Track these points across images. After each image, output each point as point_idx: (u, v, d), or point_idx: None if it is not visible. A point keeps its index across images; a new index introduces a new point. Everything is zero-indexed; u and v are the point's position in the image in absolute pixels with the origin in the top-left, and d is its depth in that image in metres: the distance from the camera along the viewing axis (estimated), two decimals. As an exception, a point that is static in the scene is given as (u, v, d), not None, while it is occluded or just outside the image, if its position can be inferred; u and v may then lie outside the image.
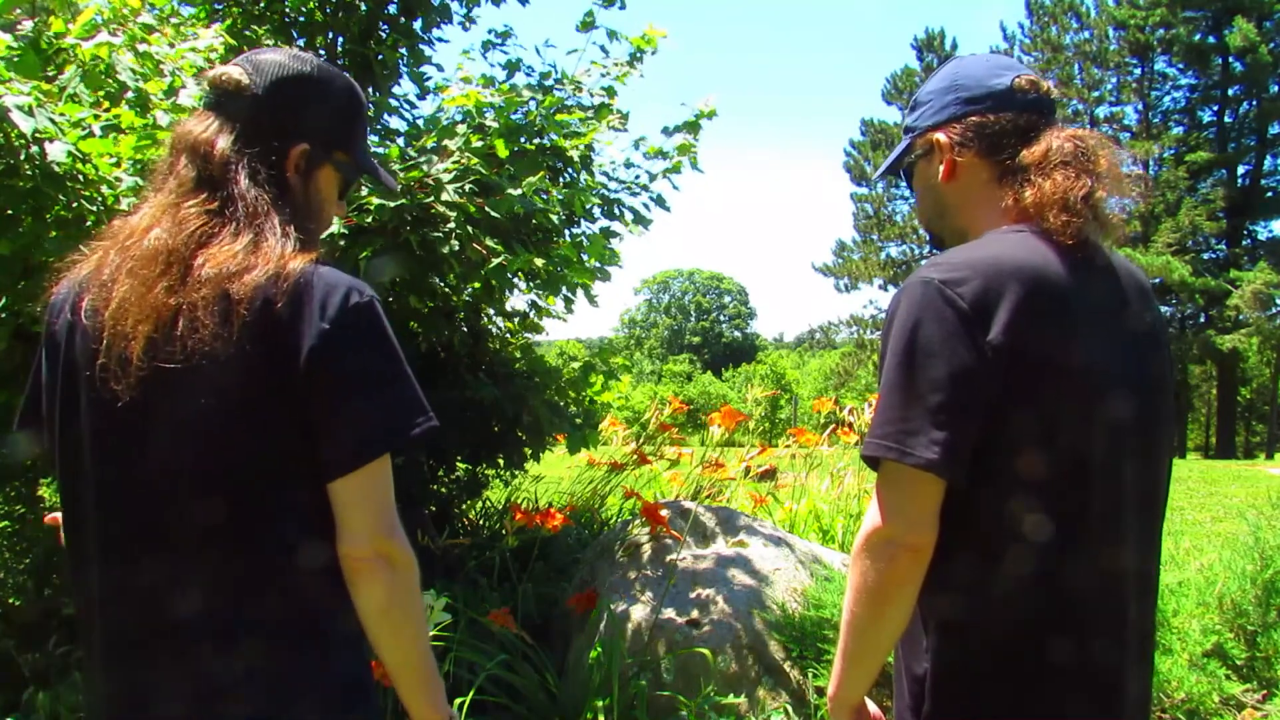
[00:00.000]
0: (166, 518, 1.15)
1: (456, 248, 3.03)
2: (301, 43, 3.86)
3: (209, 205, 1.18)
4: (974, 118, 1.29)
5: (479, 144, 3.18)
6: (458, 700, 2.69)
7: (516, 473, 4.28)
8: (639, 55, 3.73)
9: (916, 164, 1.38)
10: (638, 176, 3.80)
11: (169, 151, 1.26)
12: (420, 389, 1.19)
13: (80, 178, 2.63)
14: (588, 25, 3.72)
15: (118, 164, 2.70)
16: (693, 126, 3.77)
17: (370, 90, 3.88)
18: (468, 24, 4.01)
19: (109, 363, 1.13)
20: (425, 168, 3.08)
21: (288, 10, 3.73)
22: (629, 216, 3.75)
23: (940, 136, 1.32)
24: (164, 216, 1.19)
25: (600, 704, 2.77)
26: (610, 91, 3.69)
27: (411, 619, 1.19)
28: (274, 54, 1.29)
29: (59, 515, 1.32)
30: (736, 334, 63.86)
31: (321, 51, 3.83)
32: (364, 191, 3.06)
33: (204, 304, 1.11)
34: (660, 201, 3.80)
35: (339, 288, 1.15)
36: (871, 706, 1.31)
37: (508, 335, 4.34)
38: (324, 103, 1.29)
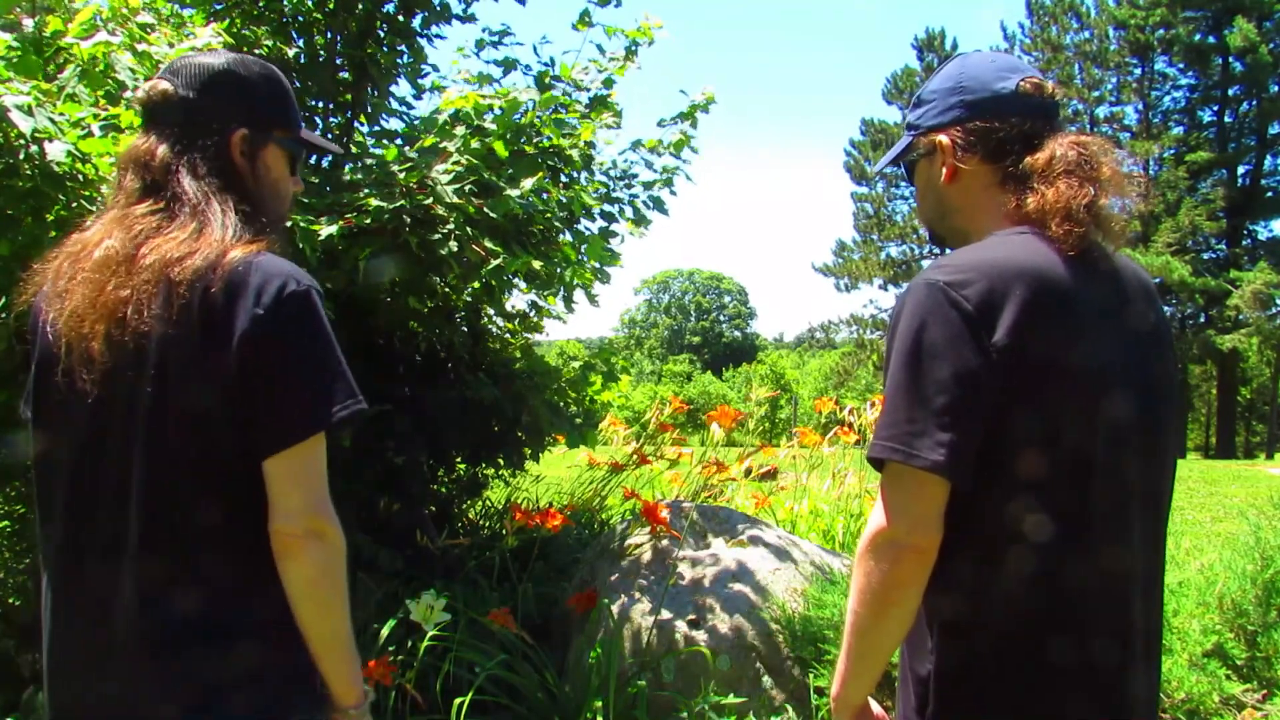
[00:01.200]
0: (122, 514, 1.19)
1: (455, 249, 3.03)
2: (300, 42, 3.85)
3: (155, 207, 1.26)
4: (977, 122, 1.28)
5: (477, 145, 3.18)
6: (457, 700, 2.69)
7: (516, 473, 4.27)
8: (635, 48, 3.73)
9: (918, 162, 1.38)
10: (637, 175, 3.80)
11: (116, 171, 1.35)
12: (350, 376, 1.24)
13: (80, 177, 2.63)
14: (585, 23, 3.71)
15: (118, 164, 2.69)
16: (689, 116, 3.77)
17: (369, 90, 3.87)
18: (466, 20, 4.00)
19: (72, 365, 1.20)
20: (424, 169, 3.08)
21: (286, 10, 3.73)
22: (629, 213, 3.75)
23: (942, 139, 1.31)
24: (114, 227, 1.26)
25: (600, 704, 2.77)
26: (608, 83, 3.69)
27: (339, 595, 1.24)
28: (193, 58, 1.36)
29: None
30: (736, 334, 63.88)
31: (320, 51, 3.83)
32: (362, 193, 3.06)
33: (146, 288, 1.18)
34: (658, 204, 3.80)
35: (275, 276, 1.20)
36: (875, 707, 1.31)
37: (508, 335, 4.34)
38: (250, 88, 1.36)
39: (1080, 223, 1.19)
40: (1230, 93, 29.13)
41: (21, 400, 1.39)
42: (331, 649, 1.26)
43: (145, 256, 1.20)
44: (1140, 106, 30.73)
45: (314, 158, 3.35)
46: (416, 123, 3.65)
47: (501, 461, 4.11)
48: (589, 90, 3.70)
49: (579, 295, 3.81)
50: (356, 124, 3.94)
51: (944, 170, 1.31)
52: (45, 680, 1.26)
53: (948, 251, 1.35)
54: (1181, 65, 29.69)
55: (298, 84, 3.64)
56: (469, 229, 3.06)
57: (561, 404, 4.09)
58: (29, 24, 2.76)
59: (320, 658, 1.25)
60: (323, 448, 1.22)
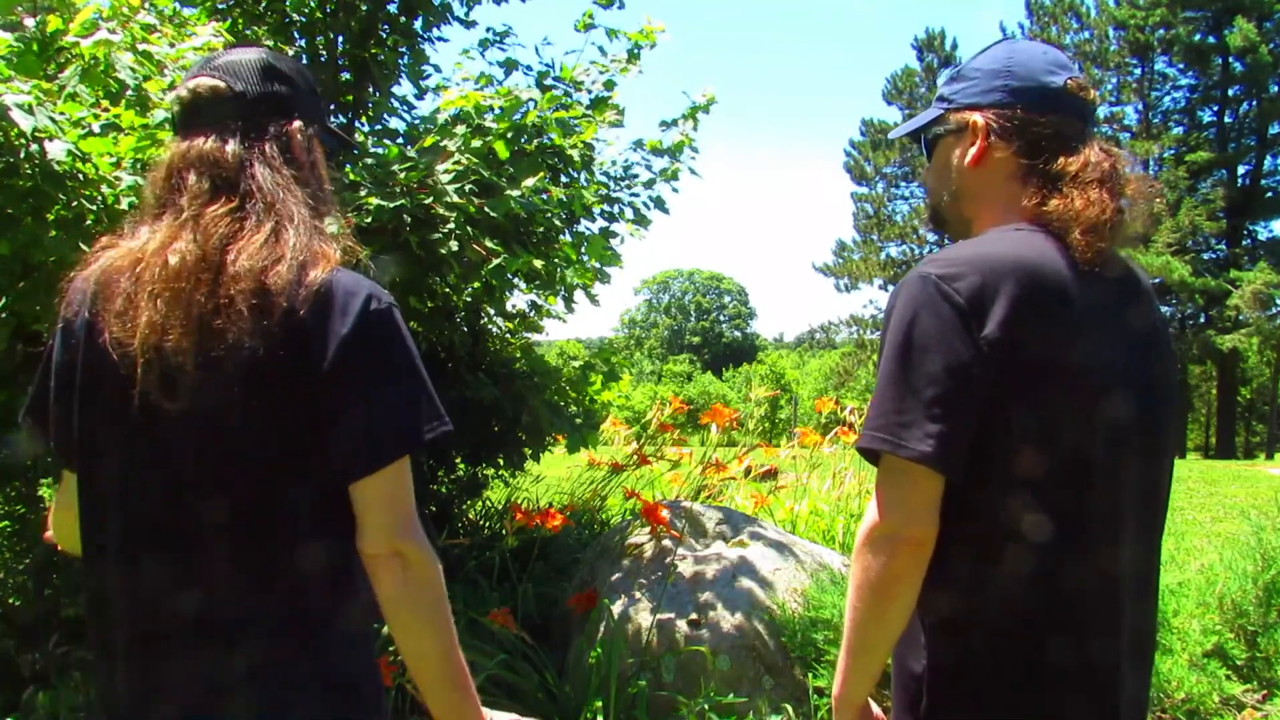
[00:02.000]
0: (188, 513, 1.18)
1: (456, 248, 3.03)
2: (302, 43, 3.86)
3: (229, 206, 1.21)
4: (1020, 110, 1.25)
5: (478, 144, 3.18)
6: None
7: (516, 473, 4.27)
8: (637, 51, 3.73)
9: (943, 138, 1.33)
10: (637, 175, 3.80)
11: (167, 173, 1.27)
12: (435, 395, 1.21)
13: (80, 177, 2.63)
14: (586, 25, 3.71)
15: (118, 163, 2.69)
16: (690, 117, 3.77)
17: (370, 90, 3.87)
18: (468, 23, 4.00)
19: (149, 384, 1.14)
20: (424, 168, 3.08)
21: (288, 10, 3.73)
22: (629, 214, 3.75)
23: (977, 119, 1.28)
24: (182, 231, 1.20)
25: (600, 704, 2.77)
26: (609, 84, 3.69)
27: (430, 619, 1.20)
28: (231, 55, 1.32)
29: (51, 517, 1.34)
30: (736, 334, 63.87)
31: (322, 52, 3.83)
32: (363, 192, 3.06)
33: (242, 297, 1.13)
34: (659, 203, 3.80)
35: (358, 294, 1.18)
36: (876, 709, 1.31)
37: (508, 335, 4.34)
38: (291, 81, 1.33)
39: (1103, 237, 1.18)
40: (1230, 93, 29.12)
41: (23, 410, 1.35)
42: (425, 672, 1.22)
43: (234, 263, 1.15)
44: (1140, 106, 30.74)
45: None
46: (417, 122, 3.65)
47: (501, 461, 4.11)
48: (590, 91, 3.70)
49: (579, 295, 3.82)
50: (358, 124, 3.95)
51: (972, 151, 1.28)
52: (112, 667, 1.23)
53: (946, 242, 1.35)
54: (1181, 65, 29.70)
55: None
56: (469, 228, 3.06)
57: (562, 404, 4.09)
58: (30, 23, 2.76)
59: (427, 697, 1.22)
60: (408, 469, 1.19)
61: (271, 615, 1.18)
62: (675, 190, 3.82)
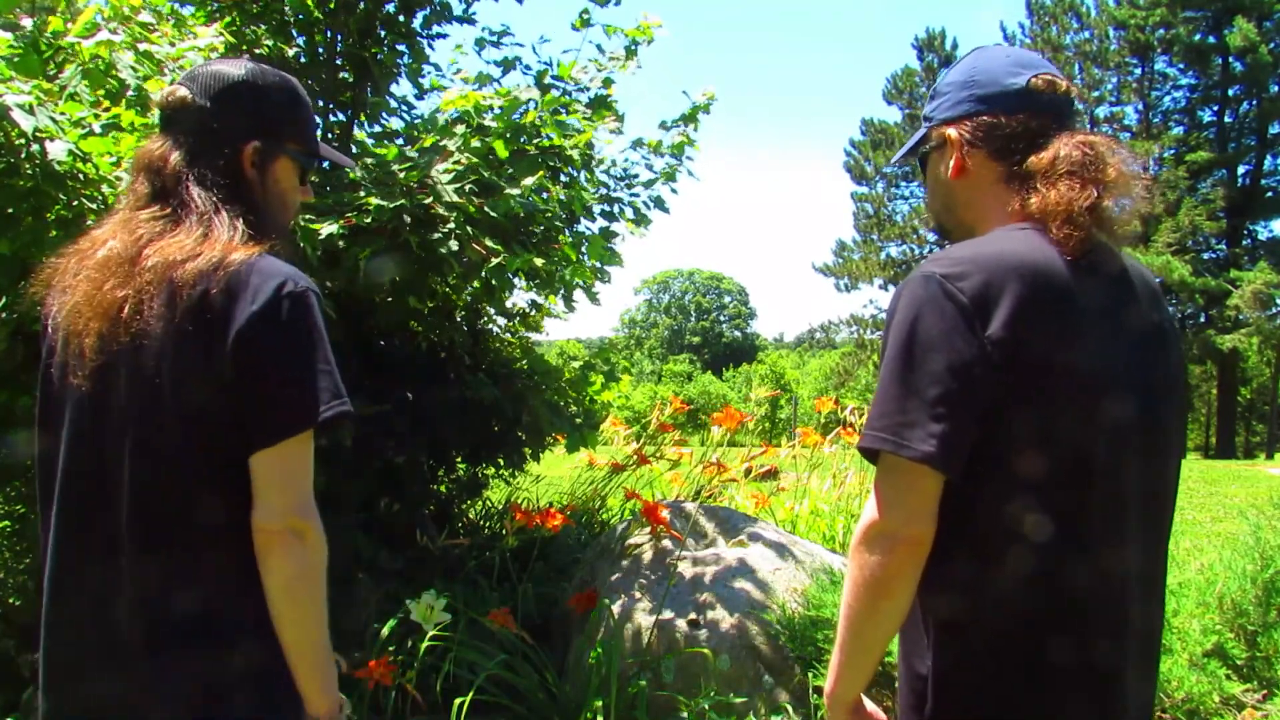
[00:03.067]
0: (114, 513, 1.21)
1: (456, 248, 3.03)
2: (301, 41, 3.85)
3: (162, 212, 1.28)
4: (985, 117, 1.28)
5: (478, 144, 3.17)
6: (458, 700, 2.69)
7: (516, 473, 4.27)
8: (635, 48, 3.72)
9: (930, 155, 1.37)
10: (637, 175, 3.80)
11: (130, 172, 1.37)
12: (339, 378, 1.25)
13: (81, 177, 2.63)
14: (584, 23, 3.71)
15: (118, 163, 2.69)
16: (691, 118, 3.77)
17: (368, 90, 3.87)
18: (466, 20, 4.00)
19: (66, 359, 1.23)
20: (424, 168, 3.08)
21: (286, 10, 3.73)
22: (629, 214, 3.75)
23: (951, 132, 1.31)
24: (119, 229, 1.29)
25: (600, 704, 2.77)
26: (608, 83, 3.69)
27: (315, 599, 1.24)
28: (211, 66, 1.37)
29: None
30: (736, 334, 63.86)
31: (320, 51, 3.83)
32: (362, 193, 3.06)
33: (148, 289, 1.20)
34: (659, 203, 3.80)
35: (274, 276, 1.22)
36: (869, 705, 1.31)
37: (508, 335, 4.34)
38: (265, 100, 1.37)
39: (1081, 226, 1.18)
40: (1230, 93, 29.12)
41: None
42: (304, 653, 1.25)
43: (148, 258, 1.22)
44: (1140, 106, 30.73)
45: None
46: (417, 122, 3.65)
47: (501, 461, 4.10)
48: (589, 90, 3.70)
49: (579, 295, 3.81)
50: (357, 124, 3.94)
51: (951, 165, 1.31)
52: (41, 679, 1.27)
53: (947, 242, 1.35)
54: (1181, 65, 29.69)
55: (298, 84, 3.63)
56: (469, 228, 3.06)
57: (562, 404, 4.09)
58: (28, 23, 2.76)
59: (293, 662, 1.25)
60: (308, 447, 1.23)
61: (198, 610, 1.21)
62: (674, 191, 3.82)
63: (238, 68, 1.37)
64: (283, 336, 1.21)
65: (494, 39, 3.96)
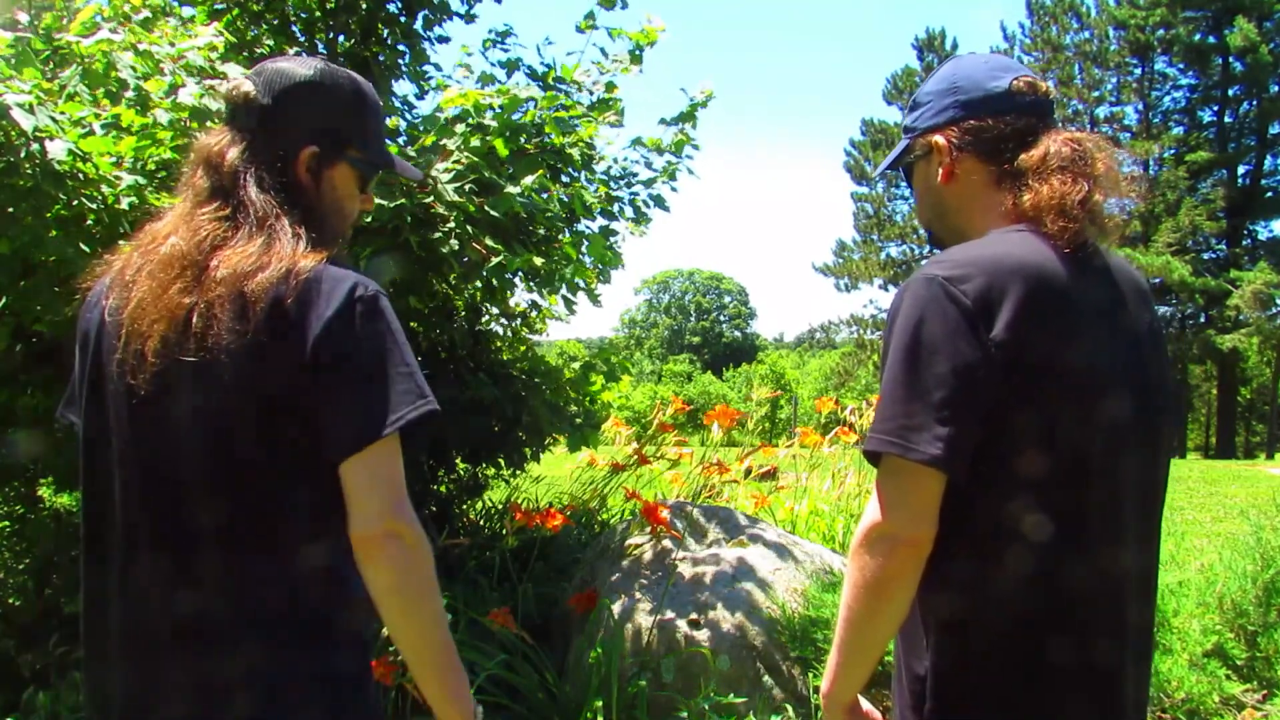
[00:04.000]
0: (180, 513, 1.19)
1: (456, 248, 3.03)
2: (303, 41, 3.85)
3: (221, 212, 1.25)
4: (972, 121, 1.29)
5: (478, 143, 3.17)
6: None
7: (517, 473, 4.27)
8: (639, 52, 3.72)
9: (916, 164, 1.39)
10: (637, 174, 3.80)
11: (189, 163, 1.33)
12: (421, 377, 1.23)
13: (80, 176, 2.62)
14: (588, 26, 3.71)
15: (118, 163, 2.69)
16: (689, 116, 3.77)
17: (370, 89, 3.87)
18: (468, 19, 4.00)
19: (126, 358, 1.20)
20: (424, 167, 3.08)
21: (289, 9, 3.73)
22: (629, 212, 3.75)
23: (938, 139, 1.32)
24: (181, 224, 1.26)
25: (600, 704, 2.77)
26: (610, 86, 3.69)
27: (424, 600, 1.20)
28: (280, 63, 1.34)
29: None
30: (736, 334, 63.86)
31: (322, 50, 3.83)
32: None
33: (220, 302, 1.17)
34: (660, 201, 3.80)
35: (344, 281, 1.20)
36: (866, 704, 1.31)
37: (508, 335, 4.34)
38: (329, 105, 1.34)
39: (1075, 219, 1.20)
40: (1230, 93, 29.14)
41: (62, 401, 1.38)
42: (425, 660, 1.21)
43: (217, 269, 1.19)
44: (1140, 106, 30.75)
45: None
46: (418, 121, 3.65)
47: (501, 461, 4.10)
48: (592, 93, 3.70)
49: (580, 295, 3.81)
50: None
51: (940, 171, 1.33)
52: (106, 664, 1.24)
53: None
54: (1181, 65, 29.71)
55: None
56: (469, 227, 3.06)
57: (562, 404, 4.09)
58: (24, 18, 2.76)
59: (413, 668, 1.22)
60: (398, 450, 1.20)
61: (269, 615, 1.19)
62: (674, 189, 3.81)
63: (306, 67, 1.33)
64: (359, 340, 1.18)
65: (498, 40, 3.96)
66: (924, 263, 1.23)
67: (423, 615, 1.20)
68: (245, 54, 3.58)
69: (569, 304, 3.79)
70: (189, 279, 1.20)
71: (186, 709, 1.18)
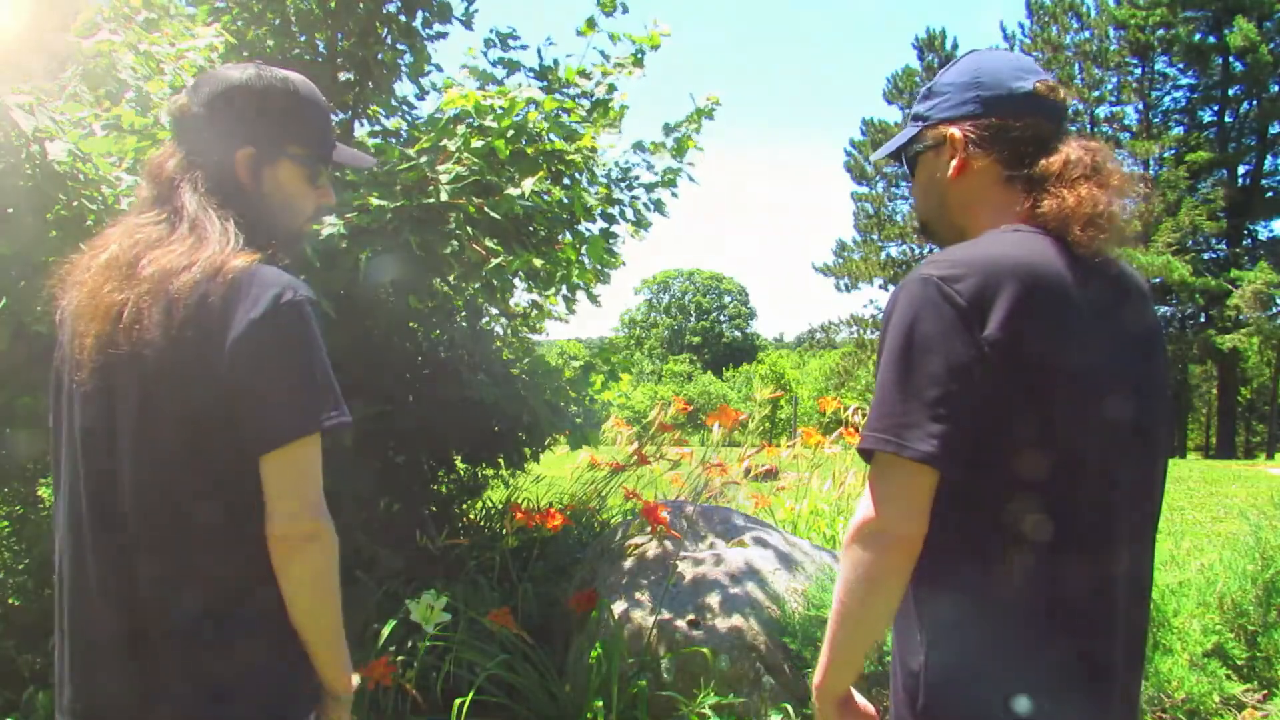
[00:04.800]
0: (120, 507, 1.23)
1: (456, 248, 3.03)
2: (303, 40, 3.85)
3: (158, 219, 1.31)
4: (993, 119, 1.28)
5: (478, 144, 3.17)
6: (458, 700, 2.69)
7: (516, 473, 4.27)
8: (641, 55, 3.72)
9: (923, 154, 1.36)
10: (638, 177, 3.80)
11: (140, 179, 1.40)
12: (338, 389, 1.28)
13: (80, 176, 2.63)
14: (590, 29, 3.71)
15: (118, 163, 2.70)
16: (695, 120, 3.76)
17: (371, 90, 3.87)
18: (469, 23, 4.00)
19: (69, 356, 1.28)
20: (425, 168, 3.08)
21: (289, 10, 3.73)
22: (629, 215, 3.75)
23: (954, 132, 1.30)
24: (121, 233, 1.32)
25: (600, 704, 2.77)
26: (611, 89, 3.69)
27: (334, 593, 1.29)
28: (217, 72, 1.39)
29: None
30: (736, 334, 63.84)
31: (322, 50, 3.83)
32: (362, 192, 3.06)
33: (146, 298, 1.22)
34: (659, 206, 3.80)
35: (272, 285, 1.24)
36: (860, 699, 1.31)
37: (508, 335, 4.34)
38: (262, 105, 1.37)
39: (1103, 229, 1.20)
40: (1230, 93, 29.13)
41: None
42: (328, 643, 1.31)
43: (145, 267, 1.24)
44: (1140, 106, 30.74)
45: None
46: (419, 122, 3.65)
47: (501, 461, 4.10)
48: (593, 95, 3.69)
49: (580, 295, 3.81)
50: (358, 123, 3.94)
51: (952, 164, 1.31)
52: (57, 672, 1.29)
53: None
54: (1181, 65, 29.71)
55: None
56: (470, 228, 3.06)
57: (562, 404, 4.09)
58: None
59: (316, 653, 1.30)
60: (313, 451, 1.25)
61: (213, 608, 1.23)
62: (675, 195, 3.81)
63: (239, 72, 1.37)
64: (281, 343, 1.23)
65: (499, 41, 3.96)
66: (921, 262, 1.24)
67: (329, 608, 1.29)
68: (246, 54, 3.58)
69: (569, 304, 3.79)
70: (119, 278, 1.25)
71: (128, 706, 1.23)
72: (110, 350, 1.22)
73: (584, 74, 3.72)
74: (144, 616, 1.21)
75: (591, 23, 3.68)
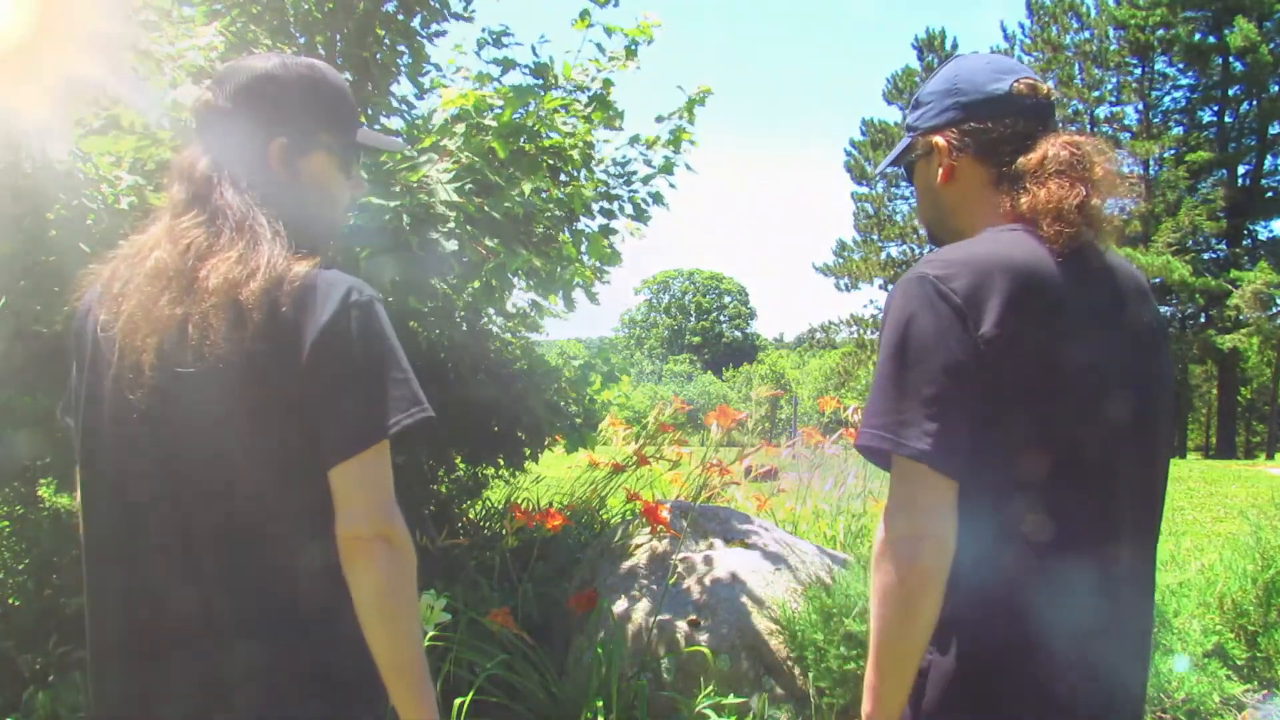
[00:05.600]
0: (181, 519, 1.19)
1: (456, 247, 3.02)
2: (302, 41, 3.85)
3: (199, 219, 1.25)
4: (972, 123, 1.31)
5: (477, 143, 3.17)
6: (457, 700, 2.69)
7: (516, 473, 4.27)
8: (635, 47, 3.72)
9: (917, 163, 1.40)
10: (635, 171, 3.80)
11: (169, 181, 1.33)
12: (416, 383, 1.24)
13: (80, 176, 2.62)
14: (584, 23, 3.71)
15: (118, 162, 2.69)
16: (687, 110, 3.76)
17: (369, 89, 3.87)
18: (466, 17, 3.99)
19: (122, 372, 1.20)
20: (424, 168, 3.08)
21: (287, 10, 3.72)
22: (628, 209, 3.74)
23: (939, 140, 1.34)
24: (163, 237, 1.26)
25: (600, 704, 2.76)
26: (607, 83, 3.68)
27: (407, 608, 1.20)
28: (237, 63, 1.35)
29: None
30: (736, 334, 63.87)
31: (320, 50, 3.83)
32: (362, 191, 3.05)
33: (215, 311, 1.17)
34: (658, 198, 3.80)
35: (339, 286, 1.21)
36: None
37: (508, 335, 4.34)
38: (290, 94, 1.33)
39: (1071, 223, 1.20)
40: (1230, 93, 29.14)
41: (60, 405, 1.39)
42: (398, 668, 1.20)
43: (207, 278, 1.19)
44: (1140, 106, 30.74)
45: None
46: (417, 121, 3.64)
47: (501, 461, 4.10)
48: (589, 90, 3.69)
49: (579, 294, 3.81)
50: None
51: (940, 171, 1.34)
52: (105, 665, 1.26)
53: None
54: (1181, 65, 29.71)
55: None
56: (469, 228, 3.05)
57: (561, 404, 4.09)
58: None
59: (387, 677, 1.20)
60: (387, 455, 1.21)
61: (270, 615, 1.19)
62: (673, 185, 3.81)
63: (264, 61, 1.33)
64: (353, 345, 1.19)
65: (493, 39, 3.96)
66: (918, 261, 1.25)
67: (403, 622, 1.19)
68: (245, 54, 3.57)
69: (569, 303, 3.79)
70: (177, 290, 1.20)
71: (188, 709, 1.19)
72: (175, 367, 1.17)
73: (581, 69, 3.71)
74: (202, 622, 1.18)
75: (586, 15, 3.68)
